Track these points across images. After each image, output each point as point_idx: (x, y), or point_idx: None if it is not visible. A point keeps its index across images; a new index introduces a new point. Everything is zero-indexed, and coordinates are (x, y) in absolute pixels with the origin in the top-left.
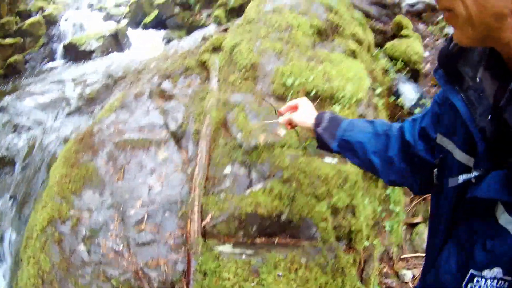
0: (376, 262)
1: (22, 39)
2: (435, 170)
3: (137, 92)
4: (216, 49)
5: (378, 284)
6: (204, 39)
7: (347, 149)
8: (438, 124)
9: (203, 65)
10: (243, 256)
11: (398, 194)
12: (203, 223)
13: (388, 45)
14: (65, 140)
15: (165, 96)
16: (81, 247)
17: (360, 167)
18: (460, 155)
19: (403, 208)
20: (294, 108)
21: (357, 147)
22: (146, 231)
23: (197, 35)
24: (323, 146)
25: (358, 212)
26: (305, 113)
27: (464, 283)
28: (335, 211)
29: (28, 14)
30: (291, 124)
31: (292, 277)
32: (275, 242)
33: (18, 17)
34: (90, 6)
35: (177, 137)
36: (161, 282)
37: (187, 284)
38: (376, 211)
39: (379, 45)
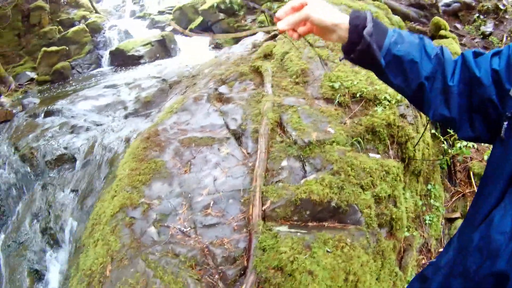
0: (415, 253)
1: (67, 47)
2: (506, 122)
3: (196, 96)
4: (267, 56)
5: (416, 273)
6: (254, 46)
7: (394, 67)
8: None
9: (256, 71)
10: (298, 234)
11: (439, 190)
12: (263, 207)
13: None
14: (126, 140)
15: (223, 99)
16: (152, 229)
17: (402, 93)
18: None
19: (443, 203)
20: (299, 10)
21: (408, 66)
22: (211, 215)
23: (247, 42)
24: (364, 57)
25: (399, 202)
26: (325, 8)
27: None
28: (378, 200)
29: (71, 23)
30: (298, 31)
31: (339, 254)
32: (325, 225)
33: (59, 26)
34: (133, 14)
35: (237, 136)
36: (224, 257)
37: (248, 259)
38: (418, 205)
39: None
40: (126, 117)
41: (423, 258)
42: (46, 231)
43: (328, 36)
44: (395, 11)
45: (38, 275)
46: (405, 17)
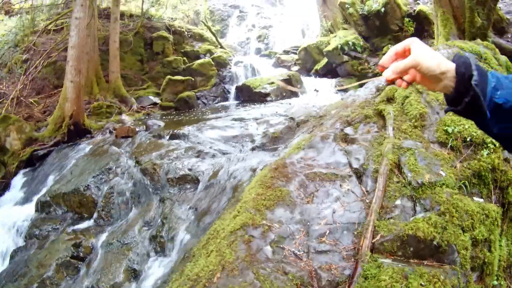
0: None
1: (192, 78)
2: None
3: (323, 135)
4: (389, 99)
5: None
6: (378, 90)
7: (494, 116)
8: None
9: (380, 114)
10: (399, 265)
11: None
12: (373, 240)
13: None
14: (252, 170)
15: (348, 140)
16: (268, 248)
17: (501, 141)
18: None
19: None
20: (402, 55)
21: (507, 114)
22: (325, 243)
23: (371, 85)
24: (470, 108)
25: (493, 247)
26: (432, 54)
27: None
28: (475, 242)
29: (196, 56)
30: (405, 79)
31: None
32: (424, 264)
33: (184, 57)
34: (258, 51)
35: (359, 174)
36: (328, 281)
37: (350, 284)
38: (511, 254)
39: None
40: (252, 149)
41: None
42: (156, 239)
43: (433, 85)
44: (502, 50)
45: (134, 274)
46: None
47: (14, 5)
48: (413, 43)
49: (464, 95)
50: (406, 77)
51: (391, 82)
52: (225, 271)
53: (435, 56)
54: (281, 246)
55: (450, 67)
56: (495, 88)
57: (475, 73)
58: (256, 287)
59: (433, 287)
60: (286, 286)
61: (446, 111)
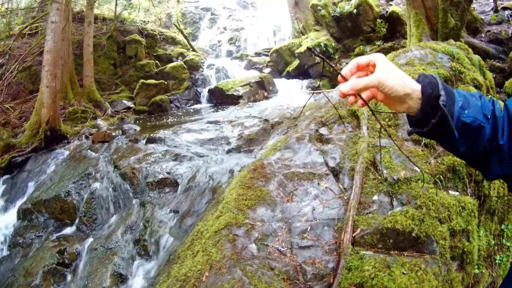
0: None
1: (165, 81)
2: None
3: (299, 136)
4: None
5: None
6: None
7: (463, 136)
8: None
9: (353, 115)
10: (381, 256)
11: None
12: (354, 234)
13: (507, 83)
14: (230, 171)
15: (323, 140)
16: (252, 246)
17: (466, 159)
18: None
19: None
20: (365, 69)
21: (475, 133)
22: (307, 238)
23: None
24: (437, 130)
25: (471, 237)
26: (396, 73)
27: None
28: (453, 233)
29: (168, 59)
30: (363, 96)
31: (413, 276)
32: (405, 255)
33: (157, 61)
34: (230, 54)
35: (335, 173)
36: (313, 274)
37: (334, 276)
38: (490, 244)
39: (499, 84)
40: (229, 151)
41: None
42: (139, 243)
43: (396, 106)
44: (475, 49)
45: (121, 278)
46: (485, 55)
47: None
48: (378, 60)
49: (431, 116)
50: (364, 94)
51: (344, 96)
52: (213, 270)
53: (400, 76)
54: (265, 243)
55: (415, 87)
56: (462, 107)
57: (442, 92)
58: (245, 283)
59: (415, 275)
60: (274, 280)
61: (410, 133)
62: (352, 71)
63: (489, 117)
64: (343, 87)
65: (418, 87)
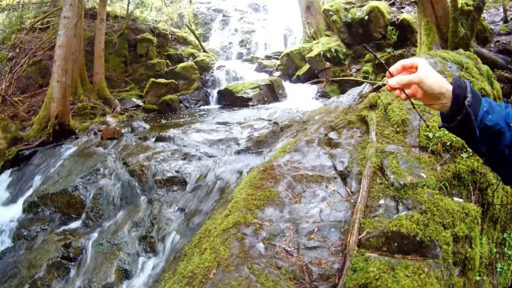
0: None
1: (175, 81)
2: None
3: (308, 139)
4: (372, 106)
5: None
6: (361, 96)
7: (484, 136)
8: None
9: (363, 120)
10: (386, 258)
11: None
12: (360, 236)
13: None
14: (239, 172)
15: (332, 144)
16: (260, 245)
17: (487, 160)
18: None
19: None
20: (408, 70)
21: (495, 137)
22: (314, 239)
23: (354, 92)
24: (461, 127)
25: (474, 244)
26: (435, 74)
27: None
28: (456, 238)
29: (179, 59)
30: (406, 92)
31: (416, 279)
32: (409, 258)
33: (168, 60)
34: (240, 56)
35: (343, 176)
36: (319, 275)
37: (339, 277)
38: (492, 252)
39: (507, 95)
40: (238, 152)
41: None
42: (146, 239)
43: (431, 102)
44: (484, 59)
45: (126, 274)
46: (494, 65)
47: (1, 1)
48: (420, 63)
49: (458, 113)
50: (408, 91)
51: (391, 90)
52: (221, 267)
53: (437, 77)
54: (273, 243)
55: (449, 87)
56: (487, 112)
57: (469, 95)
58: (252, 281)
59: (418, 277)
60: (280, 279)
61: (440, 127)
62: (398, 70)
63: (511, 125)
64: (391, 81)
65: (450, 87)
